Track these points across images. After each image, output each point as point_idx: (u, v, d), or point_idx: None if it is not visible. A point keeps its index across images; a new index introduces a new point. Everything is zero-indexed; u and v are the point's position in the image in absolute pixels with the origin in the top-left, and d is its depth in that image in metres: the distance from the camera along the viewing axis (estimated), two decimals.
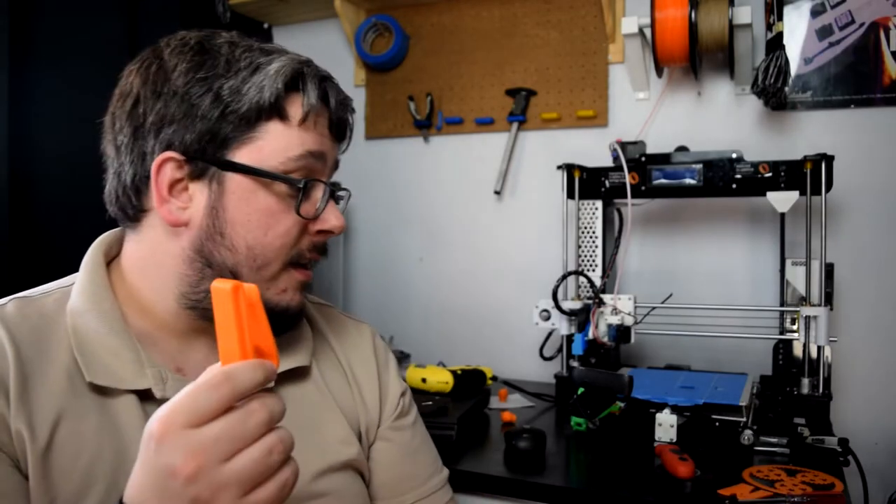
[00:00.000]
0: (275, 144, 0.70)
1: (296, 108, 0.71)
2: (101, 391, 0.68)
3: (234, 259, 0.70)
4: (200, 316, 0.72)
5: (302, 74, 0.72)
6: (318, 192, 0.74)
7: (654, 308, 1.59)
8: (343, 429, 0.82)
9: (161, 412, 0.48)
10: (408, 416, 0.92)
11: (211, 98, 0.69)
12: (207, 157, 0.69)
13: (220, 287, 0.49)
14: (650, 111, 1.83)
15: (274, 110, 0.70)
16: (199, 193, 0.70)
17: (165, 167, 0.69)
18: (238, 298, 0.49)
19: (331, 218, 0.74)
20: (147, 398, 0.69)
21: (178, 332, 0.74)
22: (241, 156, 0.69)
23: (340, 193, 0.79)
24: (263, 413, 0.49)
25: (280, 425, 0.51)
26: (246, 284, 0.50)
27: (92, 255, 0.75)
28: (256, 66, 0.70)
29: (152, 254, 0.73)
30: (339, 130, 0.77)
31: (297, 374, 0.80)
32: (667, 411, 1.27)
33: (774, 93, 1.56)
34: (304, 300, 0.76)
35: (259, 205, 0.70)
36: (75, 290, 0.72)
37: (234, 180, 0.69)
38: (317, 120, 0.73)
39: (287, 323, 0.76)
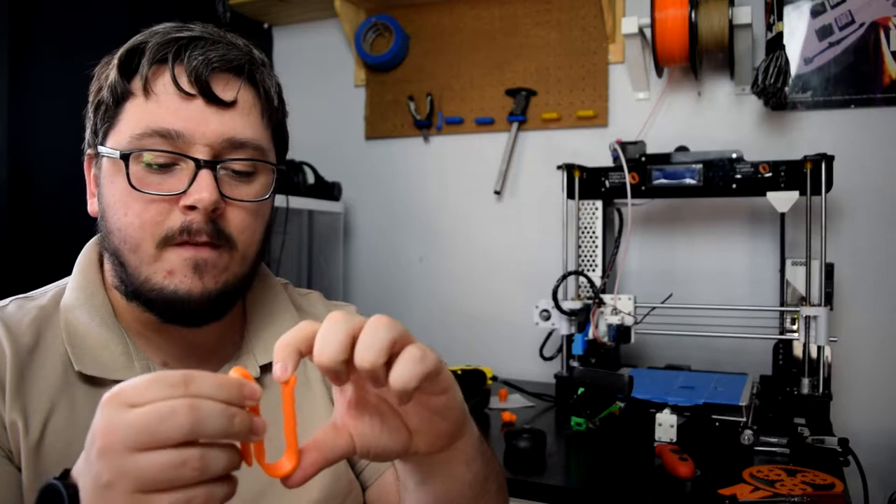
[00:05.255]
0: (128, 124, 0.69)
1: (136, 82, 0.69)
2: (93, 382, 0.69)
3: (115, 243, 0.70)
4: (143, 307, 0.70)
5: (140, 46, 0.69)
6: (185, 166, 0.68)
7: (654, 308, 1.59)
8: (327, 418, 0.81)
9: (125, 382, 0.46)
10: None
11: (96, 89, 0.72)
12: (96, 147, 0.72)
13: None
14: (650, 111, 1.83)
15: (125, 91, 0.69)
16: None
17: (90, 164, 0.75)
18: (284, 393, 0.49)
19: (194, 192, 0.66)
20: None
21: (153, 327, 0.73)
22: (109, 141, 0.70)
23: (235, 167, 0.70)
24: (187, 416, 0.44)
25: (227, 443, 0.46)
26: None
27: (86, 254, 0.77)
28: (119, 50, 0.71)
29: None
30: (207, 91, 0.68)
31: None
32: (667, 411, 1.27)
33: (774, 93, 1.56)
34: (208, 285, 0.68)
35: (119, 186, 0.68)
36: (69, 286, 0.74)
37: (104, 165, 0.71)
38: (163, 89, 0.68)
39: (198, 313, 0.70)
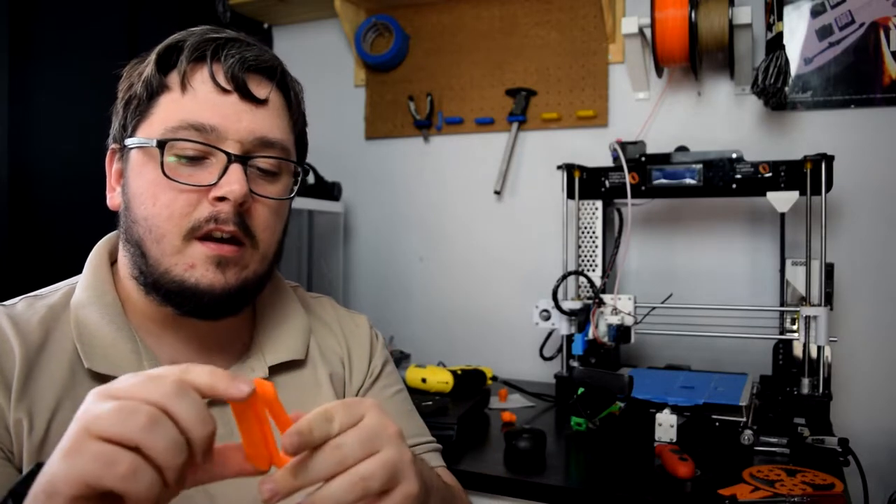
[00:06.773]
0: (161, 117, 0.71)
1: (174, 77, 0.72)
2: (102, 379, 0.69)
3: (139, 233, 0.71)
4: (161, 300, 0.71)
5: (178, 43, 0.72)
6: (216, 160, 0.70)
7: (654, 308, 1.59)
8: None
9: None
10: (388, 388, 0.91)
11: (126, 86, 0.74)
12: (123, 141, 0.74)
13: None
14: (650, 111, 1.83)
15: (160, 85, 0.71)
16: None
17: (112, 159, 0.76)
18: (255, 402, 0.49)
19: (225, 184, 0.68)
20: None
21: (163, 324, 0.74)
22: (140, 133, 0.72)
23: (262, 165, 0.73)
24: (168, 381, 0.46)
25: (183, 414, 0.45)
26: (265, 385, 0.50)
27: (96, 253, 0.78)
28: (156, 47, 0.73)
29: (120, 245, 0.77)
30: (242, 88, 0.71)
31: (292, 365, 0.82)
32: (667, 411, 1.27)
33: (774, 93, 1.56)
34: (230, 280, 0.70)
35: (149, 176, 0.70)
36: (79, 284, 0.75)
37: (132, 157, 0.72)
38: (200, 84, 0.70)
39: (216, 306, 0.71)
